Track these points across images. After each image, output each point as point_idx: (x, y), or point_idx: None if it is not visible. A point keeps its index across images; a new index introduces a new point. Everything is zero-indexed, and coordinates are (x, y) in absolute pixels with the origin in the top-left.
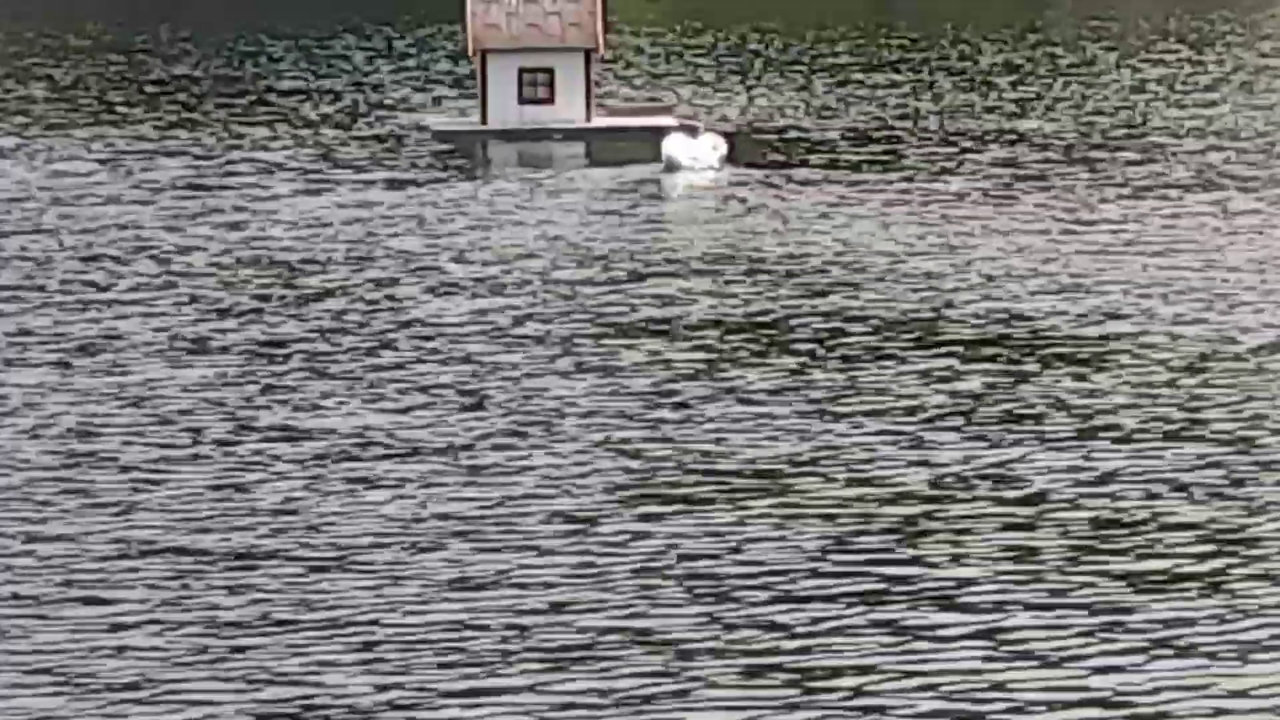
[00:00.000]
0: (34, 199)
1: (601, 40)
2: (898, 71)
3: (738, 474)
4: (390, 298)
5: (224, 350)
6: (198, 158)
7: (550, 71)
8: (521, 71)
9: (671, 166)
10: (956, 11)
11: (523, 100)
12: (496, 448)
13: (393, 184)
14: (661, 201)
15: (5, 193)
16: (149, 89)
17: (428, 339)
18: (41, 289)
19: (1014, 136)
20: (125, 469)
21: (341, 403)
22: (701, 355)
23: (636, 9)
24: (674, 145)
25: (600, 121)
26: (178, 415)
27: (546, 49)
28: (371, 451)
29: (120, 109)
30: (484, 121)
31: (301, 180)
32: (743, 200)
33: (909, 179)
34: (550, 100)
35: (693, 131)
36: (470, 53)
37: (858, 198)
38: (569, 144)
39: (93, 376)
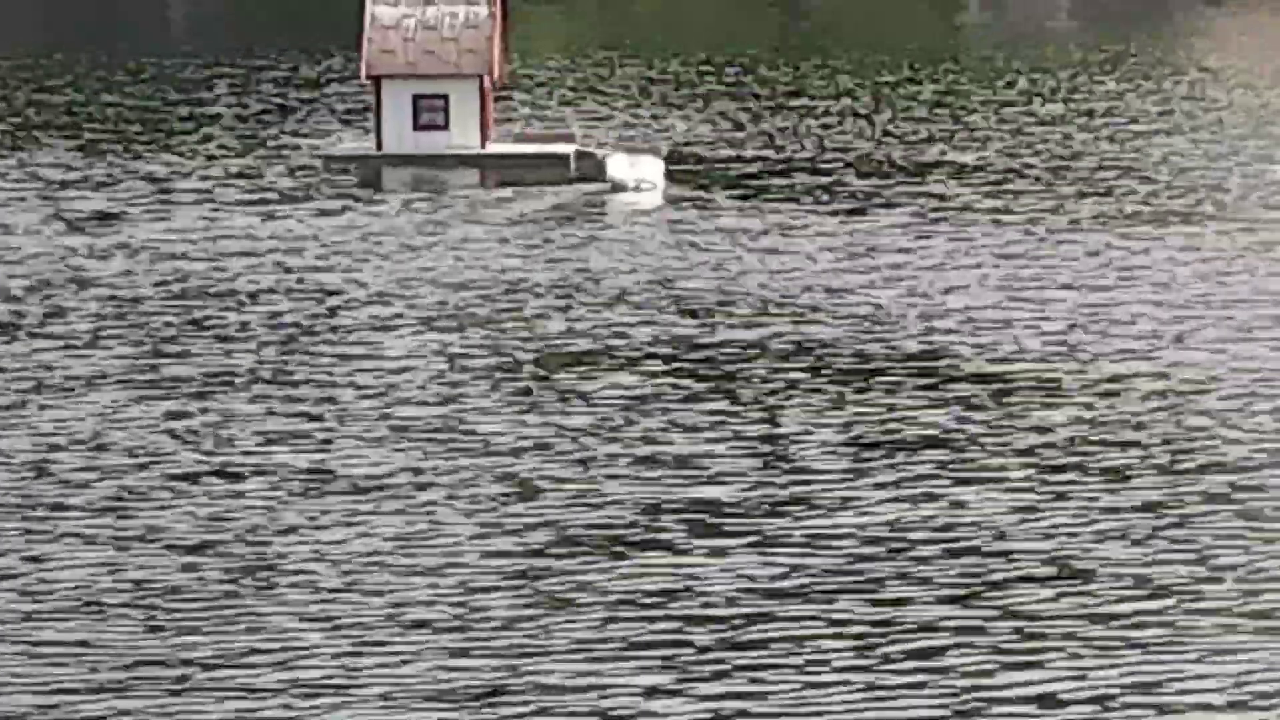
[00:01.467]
0: None
1: (497, 67)
2: (818, 97)
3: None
4: (320, 329)
5: (149, 384)
6: (101, 185)
7: (445, 98)
8: (416, 98)
9: (616, 187)
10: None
11: (418, 126)
12: (426, 483)
13: (300, 211)
14: (606, 223)
15: None
16: (61, 116)
17: (361, 369)
18: None
19: (941, 166)
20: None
21: (264, 436)
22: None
23: (551, 37)
24: (618, 166)
25: (495, 148)
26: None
27: (440, 75)
28: (302, 485)
29: (27, 134)
30: (379, 148)
31: (205, 209)
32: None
33: (844, 209)
34: (445, 126)
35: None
36: (364, 78)
37: (789, 223)
38: (463, 170)
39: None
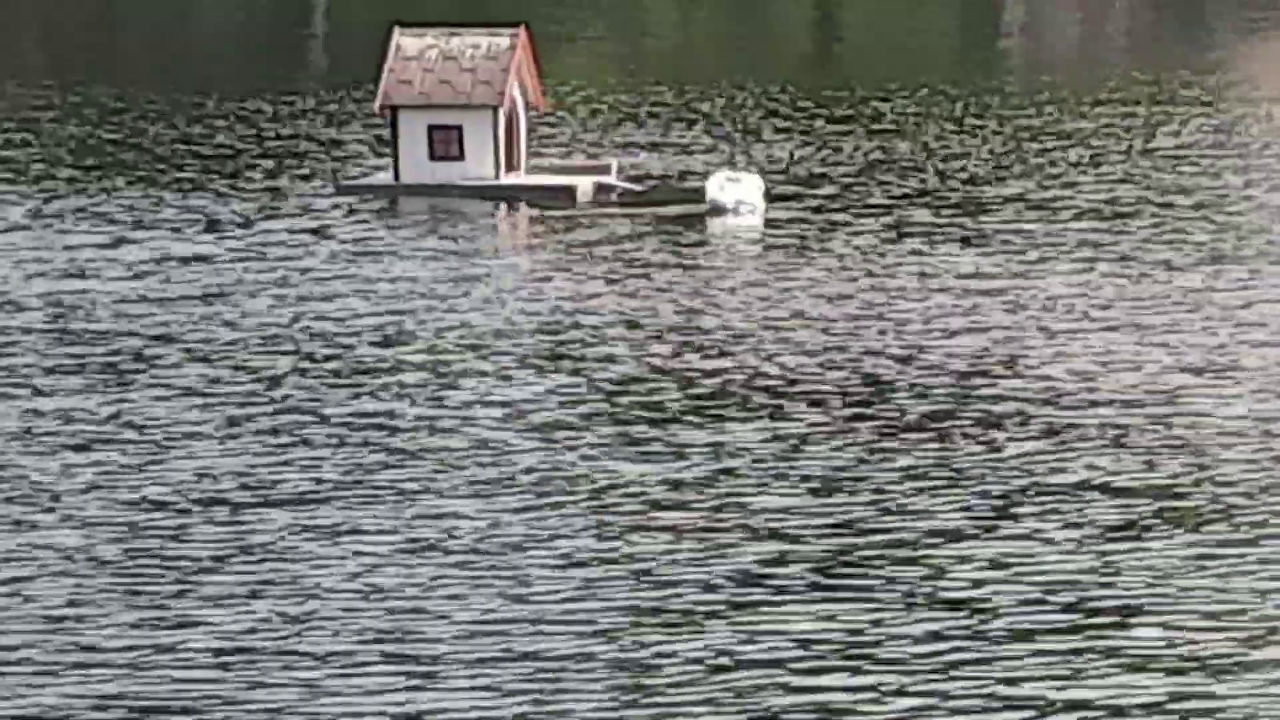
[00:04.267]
0: None
1: (507, 97)
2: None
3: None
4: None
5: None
6: (114, 222)
7: (459, 128)
8: (431, 129)
9: (715, 210)
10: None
11: (433, 157)
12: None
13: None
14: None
15: None
16: (75, 150)
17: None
18: (44, 371)
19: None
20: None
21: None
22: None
23: (581, 68)
24: (717, 188)
25: (508, 179)
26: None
27: (454, 106)
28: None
29: (44, 170)
30: (396, 178)
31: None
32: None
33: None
34: (460, 157)
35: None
36: (378, 108)
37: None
38: (478, 201)
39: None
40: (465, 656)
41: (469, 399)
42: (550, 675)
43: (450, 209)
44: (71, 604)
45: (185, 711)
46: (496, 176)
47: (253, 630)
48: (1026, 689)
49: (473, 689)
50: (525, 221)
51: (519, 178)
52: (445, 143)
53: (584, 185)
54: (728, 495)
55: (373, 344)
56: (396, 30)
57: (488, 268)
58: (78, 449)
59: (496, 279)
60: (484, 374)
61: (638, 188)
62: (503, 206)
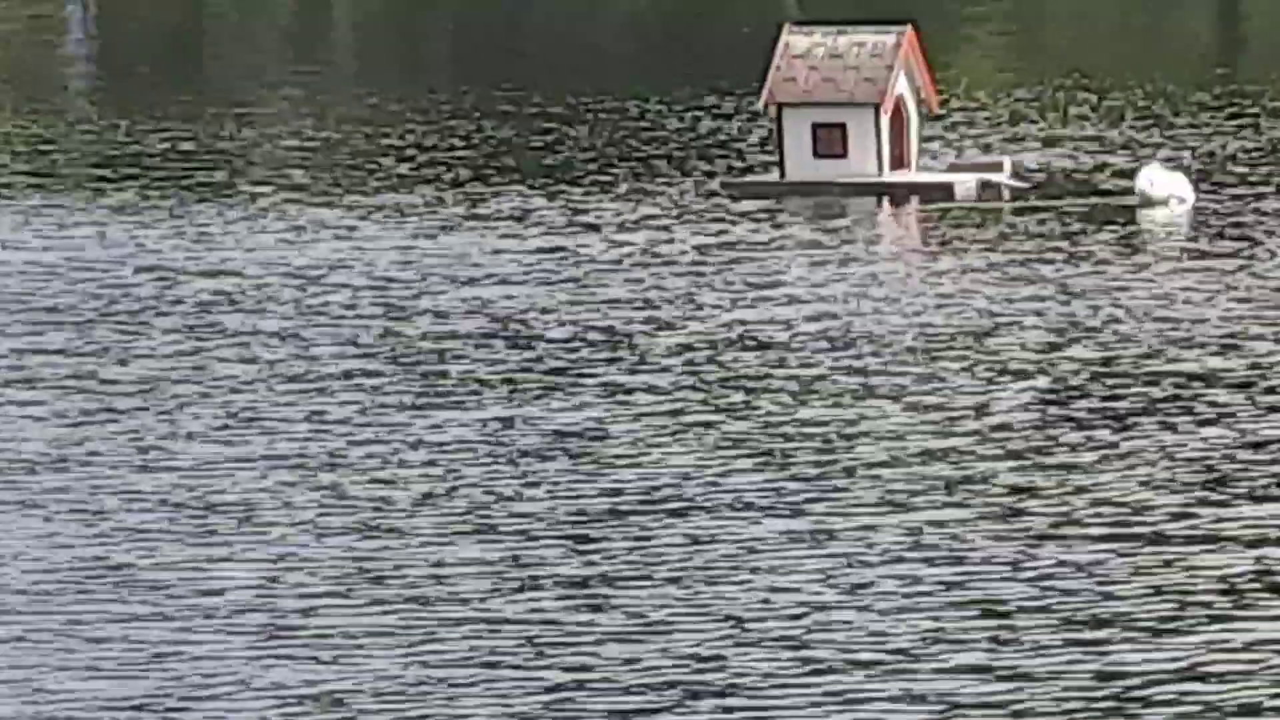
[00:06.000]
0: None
1: (890, 95)
2: None
3: None
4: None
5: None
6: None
7: (842, 126)
8: (815, 126)
9: (1146, 202)
10: None
11: (817, 154)
12: None
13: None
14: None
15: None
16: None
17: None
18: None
19: None
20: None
21: None
22: None
23: (981, 68)
24: (1147, 181)
25: (893, 176)
26: None
27: (837, 104)
28: None
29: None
30: (782, 176)
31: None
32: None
33: None
34: (844, 154)
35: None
36: (763, 106)
37: None
38: (861, 198)
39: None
40: None
41: (929, 402)
42: None
43: (836, 207)
44: None
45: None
46: (879, 174)
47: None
48: None
49: None
50: (914, 219)
51: (907, 175)
52: (829, 140)
53: (965, 182)
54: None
55: (817, 350)
56: (786, 28)
57: (905, 267)
58: (521, 456)
59: (912, 277)
60: (936, 376)
61: (1026, 184)
62: (885, 203)
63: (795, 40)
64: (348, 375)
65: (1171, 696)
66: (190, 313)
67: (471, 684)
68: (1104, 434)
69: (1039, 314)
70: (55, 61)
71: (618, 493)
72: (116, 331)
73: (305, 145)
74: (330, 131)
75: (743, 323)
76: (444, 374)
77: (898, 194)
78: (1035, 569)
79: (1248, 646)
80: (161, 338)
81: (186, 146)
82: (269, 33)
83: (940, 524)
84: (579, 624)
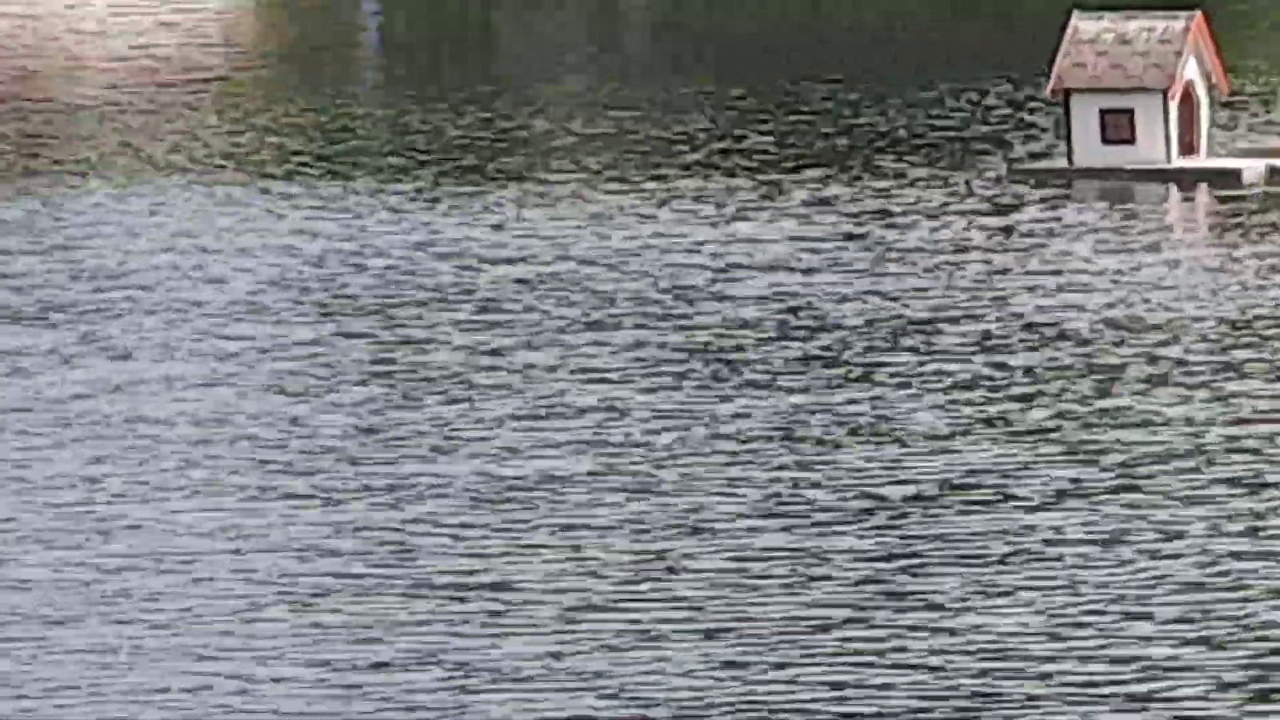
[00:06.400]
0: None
1: (1178, 80)
2: None
3: None
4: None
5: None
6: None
7: (1130, 112)
8: (1103, 112)
9: None
10: None
11: (1105, 140)
12: None
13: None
14: None
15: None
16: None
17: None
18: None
19: None
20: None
21: None
22: None
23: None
24: None
25: (1182, 162)
26: None
27: (1125, 89)
28: None
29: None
30: (1070, 161)
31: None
32: None
33: None
34: (1131, 140)
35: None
36: (1050, 92)
37: None
38: (1149, 184)
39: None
40: None
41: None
42: None
43: (1124, 193)
44: None
45: None
46: (1168, 160)
47: None
48: None
49: None
50: (1203, 205)
51: (1195, 161)
52: (1117, 126)
53: (1252, 168)
54: None
55: (1114, 338)
56: (1075, 14)
57: (1196, 254)
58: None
59: (1202, 265)
60: (1233, 365)
61: None
62: (1173, 189)
63: (1084, 25)
64: (643, 362)
65: None
66: (487, 300)
67: (764, 671)
68: None
69: None
70: (347, 48)
71: (916, 481)
72: (414, 320)
73: (601, 132)
74: (625, 118)
75: (1039, 309)
76: (741, 362)
77: (1185, 180)
78: None
79: None
80: (458, 326)
81: (481, 134)
82: (560, 15)
83: (1243, 515)
84: (877, 613)
